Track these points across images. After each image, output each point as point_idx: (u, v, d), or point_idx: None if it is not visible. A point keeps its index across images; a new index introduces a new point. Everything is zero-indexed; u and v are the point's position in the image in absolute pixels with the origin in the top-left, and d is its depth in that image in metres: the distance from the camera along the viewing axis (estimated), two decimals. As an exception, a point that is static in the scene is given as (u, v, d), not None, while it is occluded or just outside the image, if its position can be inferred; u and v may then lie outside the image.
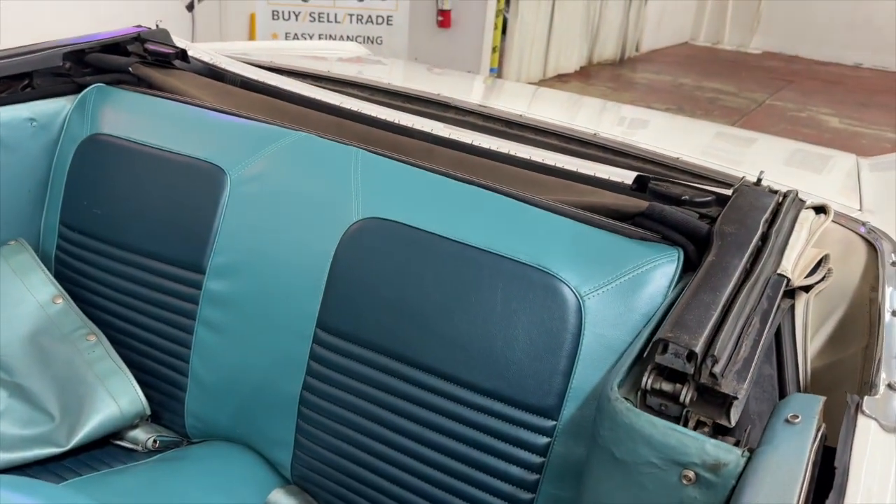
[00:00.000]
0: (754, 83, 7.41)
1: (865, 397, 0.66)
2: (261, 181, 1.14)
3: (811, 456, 0.58)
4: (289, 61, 1.72)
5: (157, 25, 1.55)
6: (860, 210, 1.14)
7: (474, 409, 0.93)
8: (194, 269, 1.15)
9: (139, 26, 1.53)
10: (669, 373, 0.71)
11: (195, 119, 1.25)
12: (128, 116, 1.30)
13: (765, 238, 0.90)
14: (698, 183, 1.07)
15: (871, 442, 0.61)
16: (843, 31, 9.02)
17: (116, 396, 1.14)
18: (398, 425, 0.99)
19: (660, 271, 0.89)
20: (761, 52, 9.43)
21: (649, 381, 0.71)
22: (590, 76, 7.11)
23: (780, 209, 0.96)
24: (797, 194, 1.01)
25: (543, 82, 6.59)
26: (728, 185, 1.05)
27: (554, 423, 0.89)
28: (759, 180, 1.03)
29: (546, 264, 0.92)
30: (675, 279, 0.89)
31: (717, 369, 0.68)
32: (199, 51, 1.57)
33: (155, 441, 1.18)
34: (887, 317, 0.79)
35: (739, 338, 0.74)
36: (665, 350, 0.70)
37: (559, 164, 1.14)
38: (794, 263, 0.90)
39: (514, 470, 0.91)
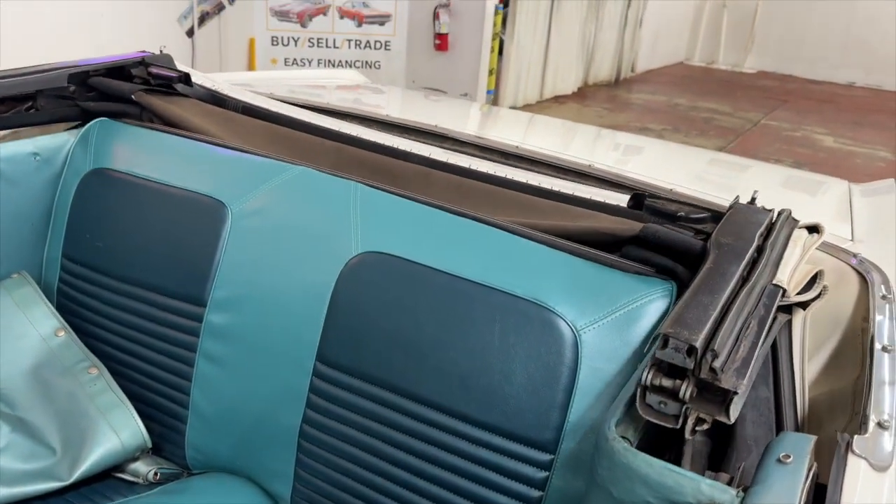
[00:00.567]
0: (749, 103, 7.48)
1: (856, 436, 0.67)
2: (262, 215, 1.16)
3: (803, 496, 0.59)
4: (289, 93, 1.75)
5: (160, 51, 1.58)
6: (852, 241, 1.16)
7: (473, 443, 0.94)
8: (195, 301, 1.16)
9: (143, 52, 1.56)
10: (669, 370, 0.71)
11: (197, 153, 1.27)
12: (130, 151, 1.32)
13: (760, 251, 0.91)
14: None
15: (862, 481, 0.63)
16: (837, 50, 9.12)
17: (118, 430, 1.14)
18: (397, 458, 1.00)
19: (654, 305, 0.90)
20: (756, 71, 9.53)
21: (649, 377, 0.71)
22: (586, 97, 7.17)
23: (774, 226, 0.98)
24: (790, 213, 1.03)
25: (541, 103, 6.65)
26: (721, 215, 1.07)
27: (552, 456, 0.90)
28: (753, 199, 1.05)
29: (542, 298, 0.93)
30: (669, 311, 0.90)
31: (718, 364, 0.69)
32: (202, 77, 1.59)
33: (156, 473, 1.18)
34: (877, 352, 0.80)
35: (738, 338, 0.75)
36: (665, 345, 0.71)
37: (555, 188, 1.16)
38: (789, 277, 0.91)
39: None
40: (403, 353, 0.99)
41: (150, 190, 1.25)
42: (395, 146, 1.30)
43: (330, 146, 1.32)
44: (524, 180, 1.19)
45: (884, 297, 0.92)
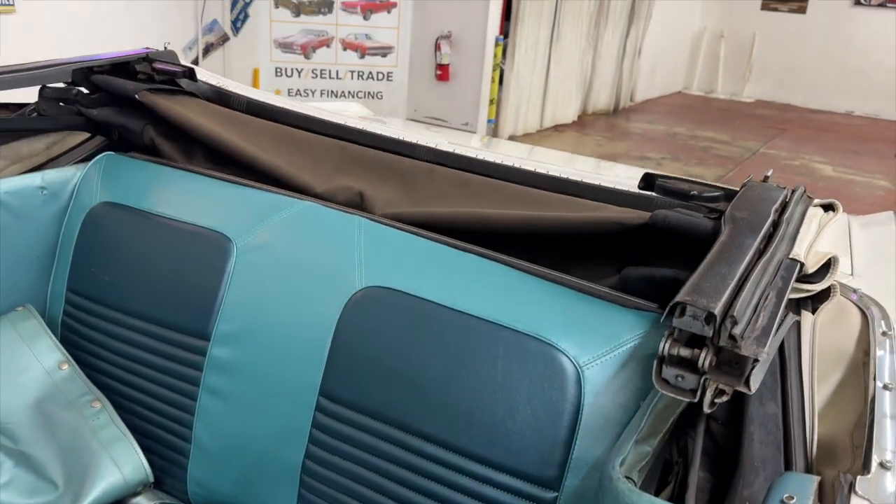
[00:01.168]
0: (748, 131, 7.53)
1: (858, 477, 0.67)
2: (266, 250, 1.17)
3: (807, 538, 0.59)
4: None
5: (165, 47, 1.57)
6: (851, 275, 1.17)
7: (476, 480, 0.94)
8: (199, 335, 1.17)
9: (147, 48, 1.54)
10: (687, 341, 0.69)
11: (202, 188, 1.29)
12: (136, 185, 1.33)
13: (776, 225, 0.90)
14: None
15: (865, 522, 0.63)
16: (835, 79, 9.21)
17: (120, 464, 1.14)
18: (400, 494, 0.99)
19: (657, 341, 0.91)
20: (754, 100, 9.60)
21: (666, 347, 0.69)
22: (585, 126, 7.23)
23: (788, 202, 0.96)
24: (805, 190, 1.01)
25: (541, 132, 6.70)
26: (735, 192, 1.04)
27: (555, 494, 0.89)
28: (766, 178, 1.04)
29: (545, 334, 0.94)
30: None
31: (738, 331, 0.67)
32: (206, 73, 1.58)
33: (157, 508, 1.18)
34: (878, 390, 0.80)
35: (757, 307, 0.73)
36: (683, 313, 0.69)
37: (564, 176, 1.15)
38: (805, 252, 0.89)
39: (517, 541, 0.91)
40: (406, 389, 0.99)
41: (155, 224, 1.26)
42: (401, 138, 1.30)
43: (333, 144, 1.32)
44: (532, 169, 1.17)
45: (884, 334, 0.92)
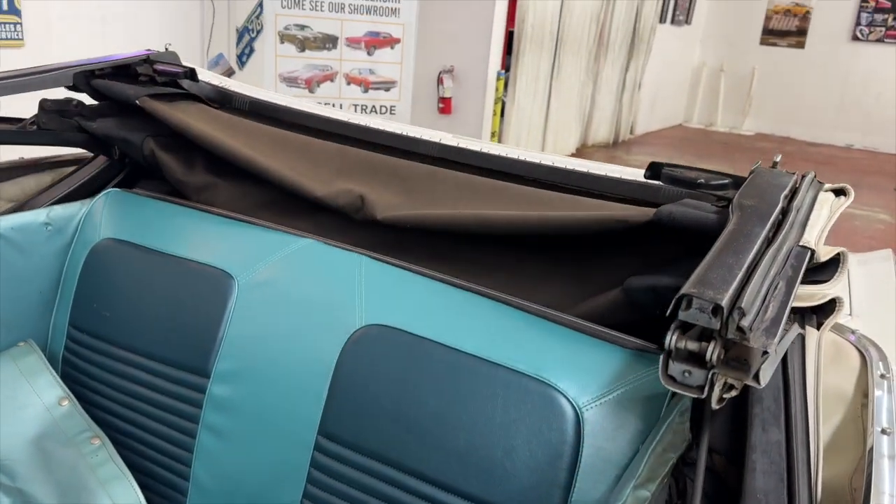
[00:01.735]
0: (748, 164, 7.52)
1: (857, 526, 0.67)
2: (268, 287, 1.17)
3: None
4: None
5: (166, 48, 1.57)
6: (850, 315, 1.17)
7: (475, 522, 0.93)
8: (199, 372, 1.17)
9: (149, 49, 1.55)
10: (695, 334, 0.67)
11: (205, 225, 1.30)
12: (140, 221, 1.34)
13: (785, 212, 0.87)
14: None
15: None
16: (833, 113, 9.29)
17: (118, 503, 1.14)
18: (399, 535, 0.99)
19: (656, 383, 0.90)
20: (754, 133, 9.68)
21: (673, 340, 0.66)
22: (585, 158, 7.27)
23: (798, 188, 0.94)
24: (815, 175, 0.98)
25: (541, 165, 6.74)
26: (743, 180, 1.01)
27: (554, 537, 0.89)
28: (775, 164, 1.02)
29: (544, 374, 0.94)
30: (671, 391, 0.90)
31: (746, 322, 0.64)
32: (208, 73, 1.58)
33: (154, 547, 1.17)
34: (876, 434, 0.80)
35: (766, 298, 0.70)
36: (689, 306, 0.66)
37: (570, 167, 1.14)
38: (816, 239, 0.86)
39: (516, 584, 0.91)
40: (405, 429, 0.99)
41: (158, 260, 1.27)
42: (405, 133, 1.30)
43: (334, 149, 1.32)
44: (537, 161, 1.17)
45: (882, 376, 0.93)
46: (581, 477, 0.89)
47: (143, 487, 1.17)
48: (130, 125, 1.43)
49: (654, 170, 1.01)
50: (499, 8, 5.39)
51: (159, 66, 1.48)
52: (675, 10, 8.87)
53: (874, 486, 0.72)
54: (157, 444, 1.21)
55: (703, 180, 0.97)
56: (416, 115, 5.34)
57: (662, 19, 8.54)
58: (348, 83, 4.90)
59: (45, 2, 3.86)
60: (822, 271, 0.90)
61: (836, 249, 0.89)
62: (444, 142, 1.26)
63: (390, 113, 5.11)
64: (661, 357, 0.68)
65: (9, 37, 3.72)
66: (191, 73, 1.49)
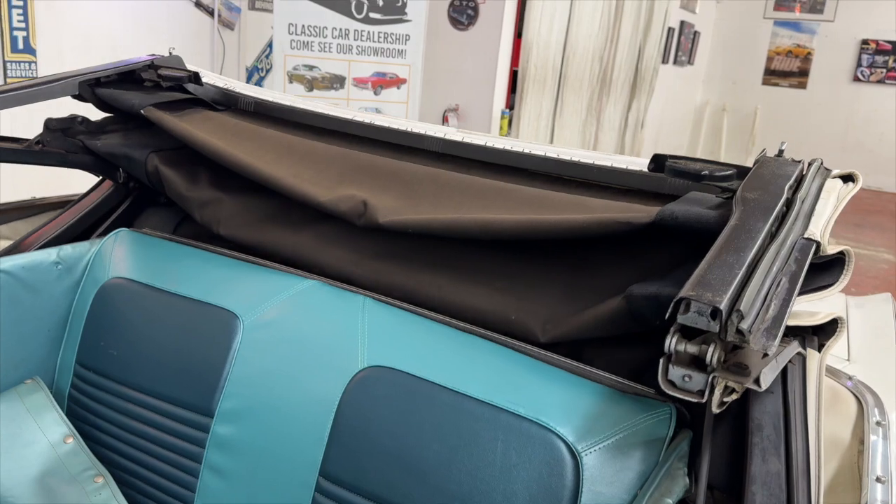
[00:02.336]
0: (751, 203, 7.58)
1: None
2: (272, 328, 1.19)
3: None
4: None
5: (170, 52, 1.58)
6: (848, 360, 1.18)
7: (474, 567, 0.94)
8: (203, 412, 1.18)
9: (153, 54, 1.56)
10: (696, 337, 0.66)
11: (212, 265, 1.32)
12: (148, 261, 1.37)
13: (789, 204, 0.86)
14: None
15: None
16: (837, 152, 9.34)
17: (119, 542, 1.14)
18: (398, 579, 0.99)
19: (654, 428, 0.92)
20: (757, 172, 9.71)
21: (673, 343, 0.65)
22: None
23: (804, 177, 0.92)
24: (822, 162, 0.96)
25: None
26: (748, 170, 0.99)
27: (553, 582, 0.89)
28: (781, 152, 1.00)
29: (544, 419, 0.95)
30: (670, 435, 0.91)
31: (745, 325, 0.63)
32: (212, 75, 1.59)
33: (154, 588, 1.17)
34: (871, 483, 0.81)
35: (767, 296, 0.69)
36: (688, 309, 0.65)
37: (575, 159, 1.13)
38: (822, 229, 0.84)
39: None
40: (406, 471, 1.00)
41: (165, 300, 1.29)
42: (409, 129, 1.31)
43: (336, 153, 1.33)
44: (542, 153, 1.17)
45: (878, 423, 0.94)
46: (579, 523, 0.89)
47: (145, 527, 1.18)
48: (134, 141, 1.45)
49: (657, 162, 1.01)
50: (503, 48, 5.49)
51: (164, 71, 1.49)
52: (677, 50, 9.00)
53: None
54: (159, 482, 1.22)
55: (707, 172, 0.96)
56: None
57: (665, 59, 8.65)
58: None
59: (58, 39, 3.95)
60: (826, 272, 0.88)
61: (841, 247, 0.87)
62: (448, 137, 1.26)
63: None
64: (661, 361, 0.68)
65: (23, 75, 3.80)
66: (195, 77, 1.50)
